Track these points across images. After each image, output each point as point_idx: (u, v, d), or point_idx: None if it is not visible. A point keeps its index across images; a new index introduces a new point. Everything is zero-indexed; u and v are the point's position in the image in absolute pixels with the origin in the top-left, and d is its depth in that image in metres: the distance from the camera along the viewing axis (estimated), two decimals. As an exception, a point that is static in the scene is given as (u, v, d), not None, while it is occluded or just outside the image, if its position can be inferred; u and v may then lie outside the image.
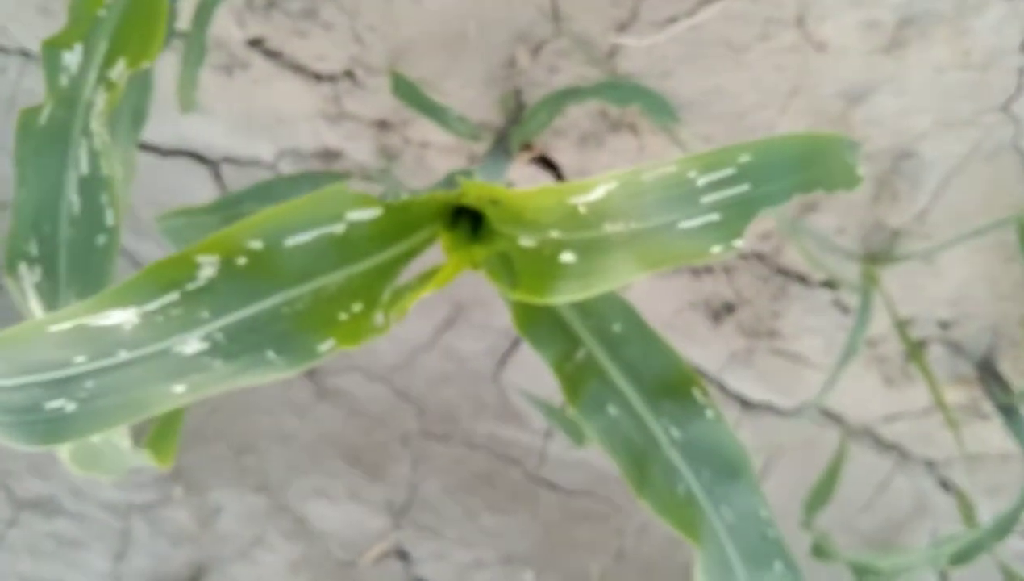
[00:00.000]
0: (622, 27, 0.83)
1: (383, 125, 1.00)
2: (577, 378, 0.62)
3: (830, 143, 0.51)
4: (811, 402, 1.06)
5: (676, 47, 0.83)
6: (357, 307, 0.53)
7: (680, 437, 0.59)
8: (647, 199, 0.49)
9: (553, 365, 0.63)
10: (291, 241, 0.48)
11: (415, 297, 0.52)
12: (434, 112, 0.85)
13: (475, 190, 0.50)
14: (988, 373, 0.96)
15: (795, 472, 1.25)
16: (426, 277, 0.56)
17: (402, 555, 1.13)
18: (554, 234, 0.51)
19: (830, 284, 0.94)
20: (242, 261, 0.48)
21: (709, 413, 0.58)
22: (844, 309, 0.97)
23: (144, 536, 1.10)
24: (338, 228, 0.49)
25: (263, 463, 1.11)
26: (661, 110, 0.77)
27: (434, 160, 1.01)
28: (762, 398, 1.20)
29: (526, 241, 0.51)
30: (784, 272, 0.96)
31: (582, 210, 0.48)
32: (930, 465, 1.24)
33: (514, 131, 0.87)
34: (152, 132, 1.13)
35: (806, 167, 0.50)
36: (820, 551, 0.92)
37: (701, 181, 0.48)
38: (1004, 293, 0.92)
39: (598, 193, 0.47)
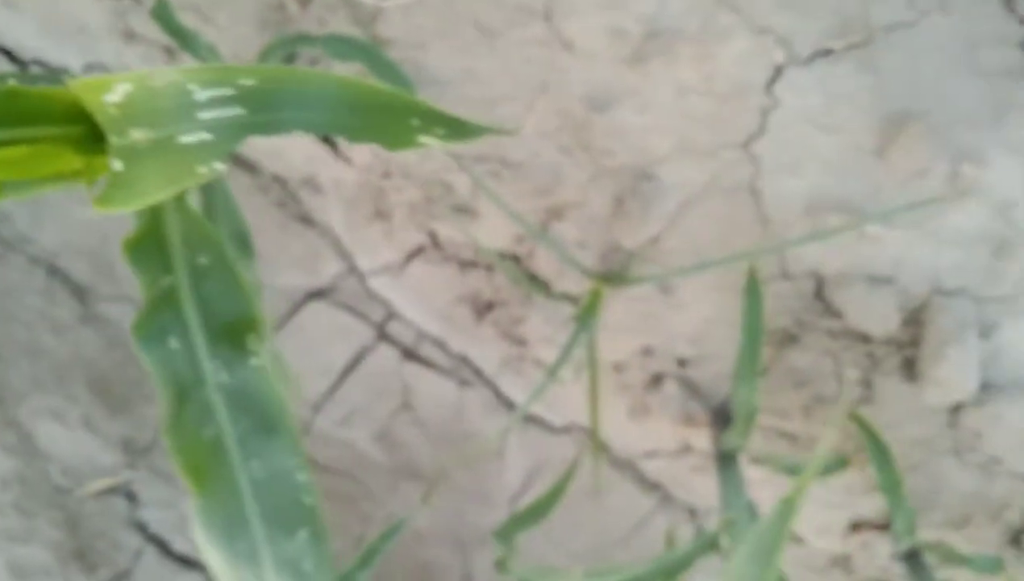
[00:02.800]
0: (382, -12, 0.82)
1: (171, 52, 0.97)
2: (155, 305, 0.59)
3: (363, 92, 0.49)
4: (518, 415, 1.04)
5: (431, 19, 0.81)
6: None
7: (228, 382, 0.57)
8: (157, 106, 0.47)
9: (144, 289, 0.61)
10: None
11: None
12: (184, 38, 0.82)
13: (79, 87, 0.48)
14: (721, 419, 0.94)
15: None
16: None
17: (129, 495, 1.10)
18: (113, 140, 0.48)
19: (570, 297, 0.92)
20: None
21: (254, 361, 0.56)
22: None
23: None
24: None
25: (4, 373, 1.08)
26: (386, 73, 0.74)
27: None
28: (532, 410, 1.18)
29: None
30: (533, 278, 0.94)
31: (113, 111, 0.46)
32: (692, 512, 1.22)
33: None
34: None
35: (325, 108, 0.48)
36: (502, 565, 0.90)
37: (201, 96, 0.46)
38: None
39: (119, 93, 0.45)
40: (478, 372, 1.18)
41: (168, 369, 0.57)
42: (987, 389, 0.84)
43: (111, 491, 1.09)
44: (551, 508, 0.99)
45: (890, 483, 0.87)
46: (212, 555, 0.57)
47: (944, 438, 0.90)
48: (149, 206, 0.49)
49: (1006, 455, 0.89)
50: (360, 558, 0.82)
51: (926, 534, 0.99)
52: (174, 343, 0.57)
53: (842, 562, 1.06)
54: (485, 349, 1.14)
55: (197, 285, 0.60)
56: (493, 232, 0.92)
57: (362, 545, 1.25)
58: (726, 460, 0.90)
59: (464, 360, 1.17)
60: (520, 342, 0.99)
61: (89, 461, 1.09)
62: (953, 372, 0.80)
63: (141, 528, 1.10)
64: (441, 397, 1.20)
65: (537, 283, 0.91)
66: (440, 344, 1.17)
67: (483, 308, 1.00)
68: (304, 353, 1.20)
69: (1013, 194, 0.79)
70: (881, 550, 1.03)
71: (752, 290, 0.81)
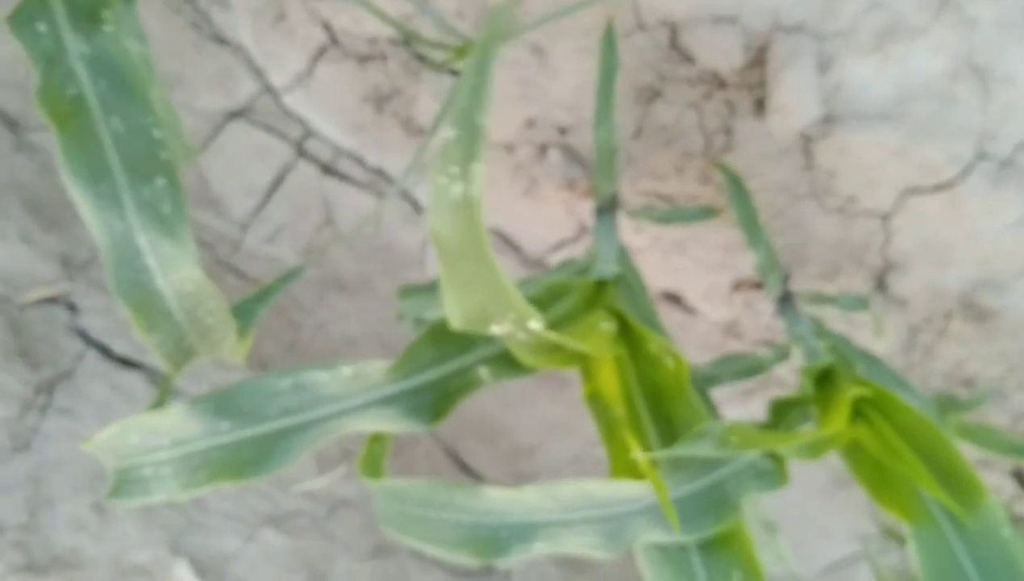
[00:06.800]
0: None
1: None
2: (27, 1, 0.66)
3: None
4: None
5: None
6: None
7: (88, 51, 0.64)
8: None
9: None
10: None
11: None
12: None
13: None
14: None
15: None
16: None
17: (70, 306, 1.17)
18: None
19: (455, 71, 0.99)
20: None
21: (108, 28, 0.63)
22: (472, 101, 1.02)
23: None
24: None
25: (-60, 197, 1.15)
26: None
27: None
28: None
29: None
30: (421, 58, 1.01)
31: None
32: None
33: None
34: None
35: None
36: (402, 315, 0.98)
37: None
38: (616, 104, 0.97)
39: None
40: (385, 177, 1.25)
41: (37, 47, 0.64)
42: (831, 121, 0.92)
43: (51, 301, 1.17)
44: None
45: (748, 219, 0.94)
46: (80, 200, 0.65)
47: (802, 181, 0.97)
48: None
49: (859, 192, 0.97)
50: (257, 294, 0.90)
51: (801, 286, 1.08)
52: (41, 27, 0.64)
53: (732, 329, 1.15)
54: (401, 160, 1.21)
55: (59, -23, 0.66)
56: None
57: (294, 349, 1.34)
58: (601, 212, 0.97)
59: (380, 173, 1.25)
60: (419, 131, 1.06)
61: (27, 272, 1.17)
62: (792, 95, 0.87)
63: (82, 334, 1.18)
64: (361, 210, 1.28)
65: (426, 61, 0.98)
66: (357, 159, 1.24)
67: (382, 101, 1.07)
68: (229, 174, 1.27)
69: (844, -66, 0.86)
70: (764, 309, 1.11)
71: (608, 35, 0.88)
